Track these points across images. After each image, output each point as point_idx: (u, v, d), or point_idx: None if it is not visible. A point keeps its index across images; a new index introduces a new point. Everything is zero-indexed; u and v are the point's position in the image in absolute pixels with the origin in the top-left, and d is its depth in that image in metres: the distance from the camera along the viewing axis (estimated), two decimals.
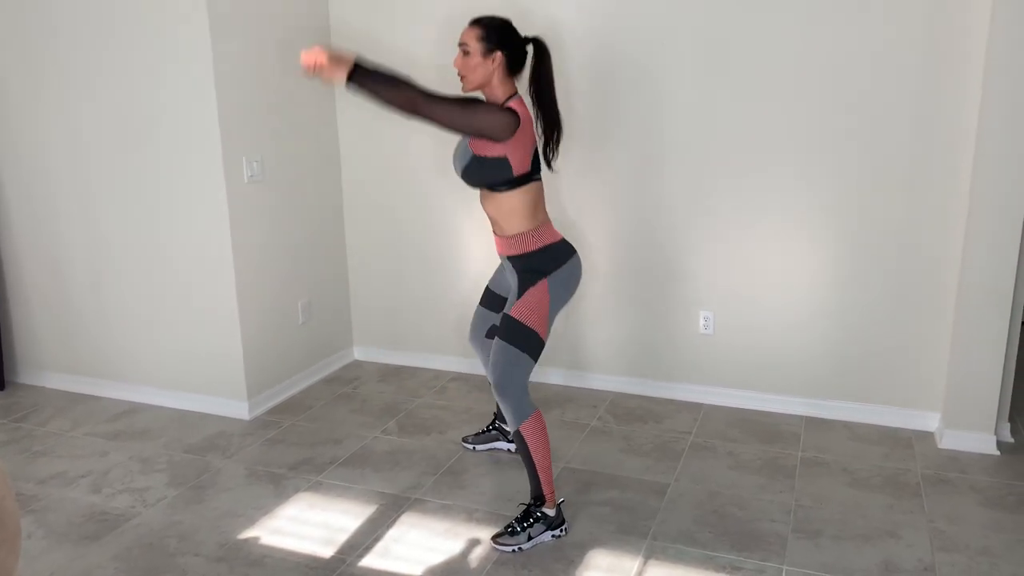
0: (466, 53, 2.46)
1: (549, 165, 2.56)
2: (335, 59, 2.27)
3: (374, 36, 3.80)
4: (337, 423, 3.46)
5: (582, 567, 2.40)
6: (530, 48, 2.50)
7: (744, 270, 3.42)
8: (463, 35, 2.47)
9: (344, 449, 3.21)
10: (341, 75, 2.26)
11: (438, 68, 3.75)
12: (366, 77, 2.28)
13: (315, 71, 2.28)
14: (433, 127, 2.36)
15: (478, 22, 2.47)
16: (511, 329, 2.48)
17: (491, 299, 2.88)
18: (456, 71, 2.50)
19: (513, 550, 2.47)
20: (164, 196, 3.41)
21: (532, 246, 2.50)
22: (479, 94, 2.50)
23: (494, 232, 2.59)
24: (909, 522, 2.61)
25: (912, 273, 3.19)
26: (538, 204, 2.53)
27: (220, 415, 3.54)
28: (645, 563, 2.41)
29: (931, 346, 3.22)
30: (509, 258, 2.55)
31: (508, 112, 2.38)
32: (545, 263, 2.50)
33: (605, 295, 3.67)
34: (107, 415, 3.59)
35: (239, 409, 3.51)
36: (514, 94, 2.50)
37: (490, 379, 2.52)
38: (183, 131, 3.30)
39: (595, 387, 3.78)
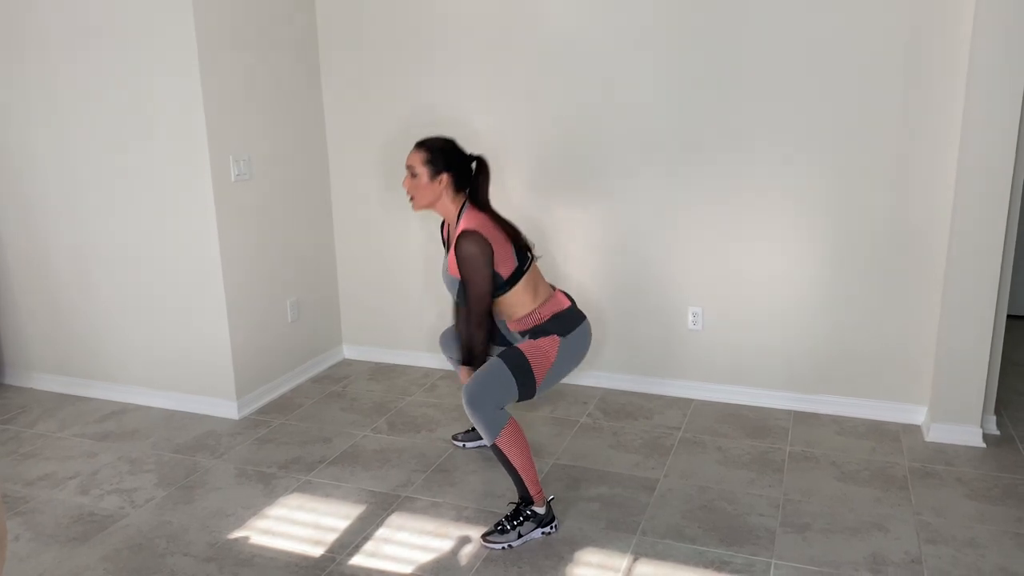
0: (414, 175, 2.57)
1: (530, 253, 2.61)
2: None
3: (361, 40, 3.79)
4: (327, 422, 3.45)
5: (572, 563, 2.40)
6: (474, 165, 2.60)
7: (732, 266, 3.43)
8: (409, 158, 2.57)
9: (334, 448, 3.20)
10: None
11: (430, 55, 3.75)
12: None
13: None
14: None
15: (423, 145, 2.57)
16: (515, 358, 2.49)
17: None
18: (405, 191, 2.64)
19: (503, 548, 2.48)
20: (151, 195, 3.40)
21: (543, 317, 2.56)
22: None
23: (503, 321, 2.65)
24: (896, 515, 2.63)
25: (899, 268, 3.21)
26: (538, 284, 2.59)
27: (209, 415, 3.53)
28: (635, 558, 2.42)
29: (918, 340, 3.24)
30: (521, 332, 2.61)
31: (478, 247, 2.44)
32: (557, 327, 2.55)
33: (594, 292, 3.67)
34: (95, 416, 3.57)
35: (228, 409, 3.50)
36: (463, 205, 2.58)
37: (465, 393, 2.46)
38: (170, 131, 3.28)
39: (585, 383, 3.79)
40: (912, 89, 3.04)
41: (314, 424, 3.43)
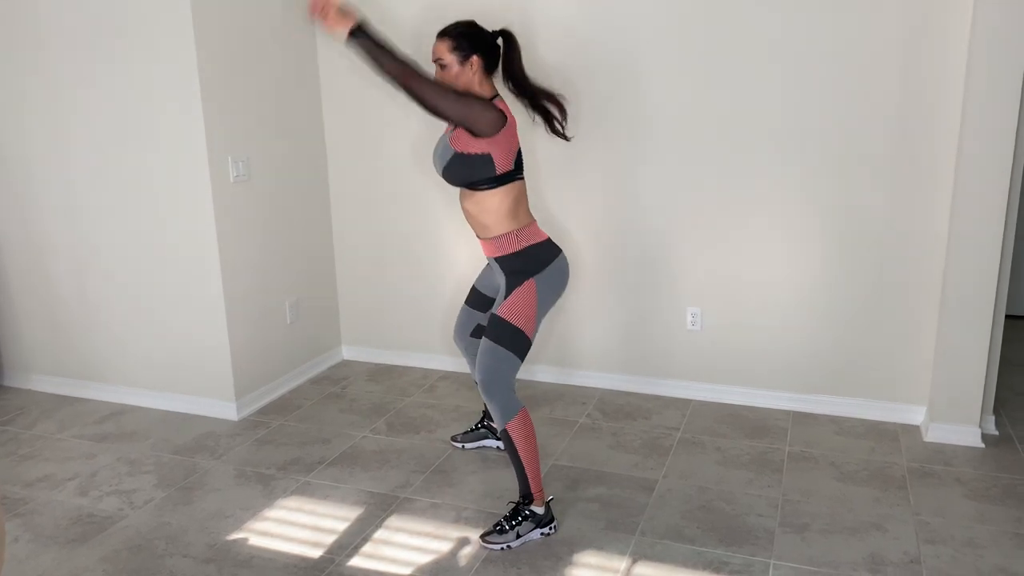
0: (443, 67, 2.49)
1: (565, 136, 2.57)
2: (342, 12, 2.23)
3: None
4: (326, 423, 3.45)
5: (570, 564, 2.40)
6: (500, 42, 2.52)
7: (731, 267, 3.43)
8: (435, 50, 2.49)
9: (333, 449, 3.20)
10: (343, 29, 2.22)
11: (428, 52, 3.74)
12: (368, 39, 2.24)
13: (320, 16, 2.24)
14: (421, 108, 2.33)
15: (446, 33, 2.50)
16: (498, 328, 2.48)
17: (477, 298, 2.88)
18: None
19: (502, 548, 2.48)
20: (149, 196, 3.40)
21: (517, 246, 2.50)
22: None
23: (477, 235, 2.59)
24: (895, 515, 2.63)
25: (897, 268, 3.21)
26: (521, 204, 2.53)
27: (208, 416, 3.53)
28: (633, 559, 2.42)
29: (916, 340, 3.24)
30: (496, 259, 2.55)
31: (497, 110, 2.39)
32: (531, 263, 2.50)
33: (593, 293, 3.67)
34: (94, 417, 3.57)
35: (227, 410, 3.50)
36: (496, 94, 2.51)
37: (476, 378, 2.52)
38: (168, 131, 3.28)
39: (584, 384, 3.79)
40: (911, 89, 3.05)
41: (313, 425, 3.43)
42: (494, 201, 2.48)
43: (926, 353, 3.24)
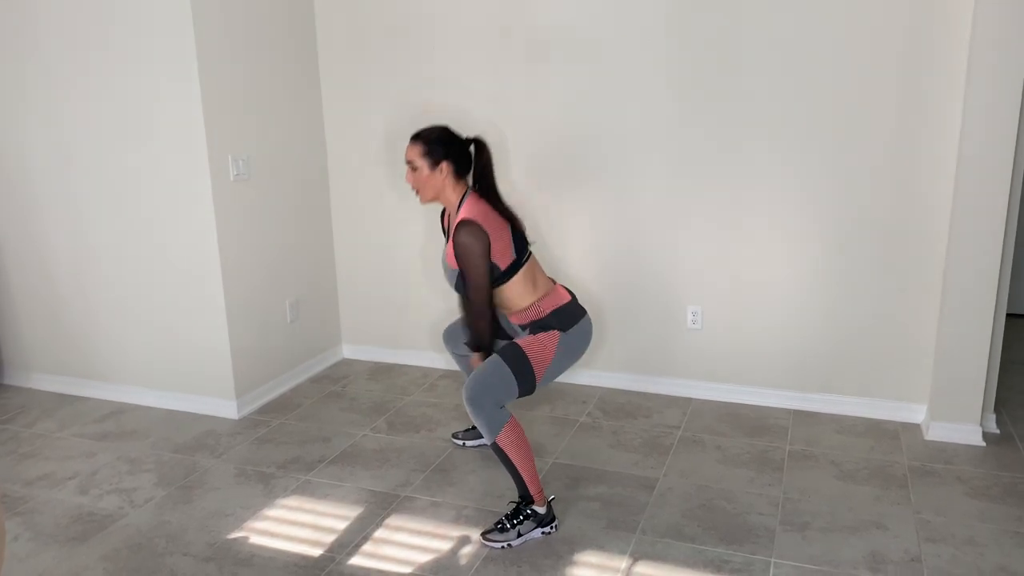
0: (414, 169, 2.57)
1: (526, 243, 2.60)
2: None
3: (360, 37, 3.79)
4: (326, 421, 3.45)
5: (571, 562, 2.40)
6: (472, 149, 2.59)
7: (732, 265, 3.43)
8: (407, 153, 2.56)
9: (333, 447, 3.20)
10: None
11: (430, 54, 3.75)
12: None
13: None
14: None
15: (418, 137, 2.56)
16: (513, 354, 2.49)
17: None
18: (409, 185, 2.61)
19: (502, 547, 2.48)
20: (150, 195, 3.40)
21: (542, 313, 2.55)
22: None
23: (504, 314, 2.65)
24: (896, 513, 2.63)
25: (898, 267, 3.20)
26: (536, 276, 2.59)
27: (208, 415, 3.53)
28: (634, 558, 2.42)
29: (917, 339, 3.24)
30: (521, 326, 2.60)
31: (475, 233, 2.43)
32: (557, 322, 2.54)
33: (594, 291, 3.67)
34: (94, 416, 3.57)
35: (227, 408, 3.50)
36: (465, 192, 2.58)
37: (465, 391, 2.47)
38: (168, 130, 3.28)
39: (584, 383, 3.79)
40: (911, 88, 3.04)
41: (313, 424, 3.43)
42: (512, 290, 2.54)
43: (927, 351, 3.23)
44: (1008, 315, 4.57)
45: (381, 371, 4.05)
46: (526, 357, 2.48)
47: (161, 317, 3.53)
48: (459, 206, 2.57)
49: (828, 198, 3.23)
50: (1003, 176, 2.87)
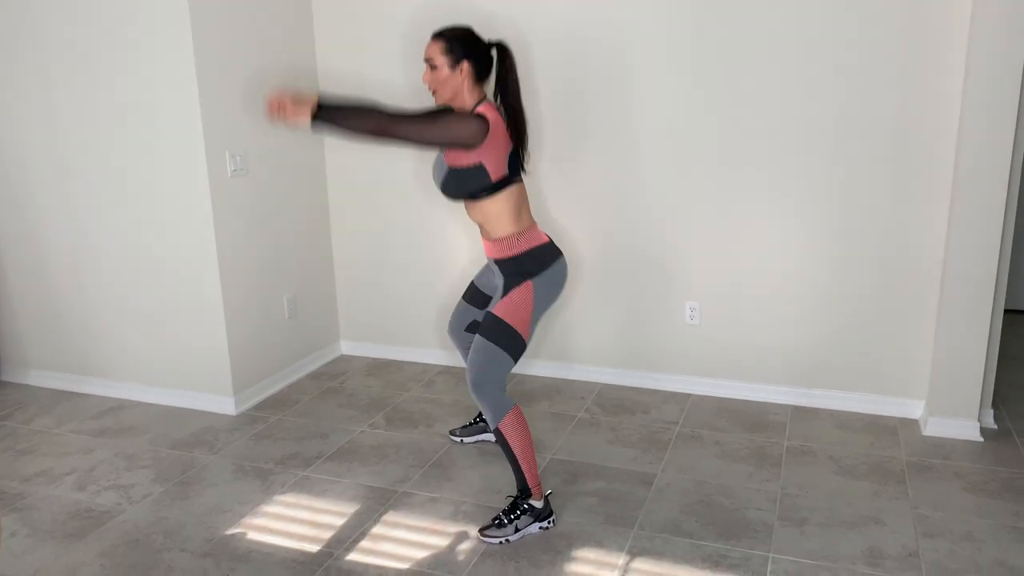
0: (433, 68, 2.47)
1: (522, 168, 2.55)
2: (298, 101, 2.26)
3: (358, 34, 3.78)
4: (324, 418, 3.45)
5: (569, 558, 2.40)
6: (494, 52, 2.51)
7: (730, 261, 3.43)
8: (427, 50, 2.48)
9: (331, 443, 3.20)
10: (305, 117, 2.26)
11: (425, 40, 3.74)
12: (331, 113, 2.27)
13: (279, 115, 2.28)
14: (408, 147, 2.32)
15: (440, 35, 2.48)
16: (493, 327, 2.47)
17: (474, 295, 2.88)
18: (426, 86, 2.49)
19: (500, 542, 2.48)
20: (147, 191, 3.39)
21: (518, 249, 2.50)
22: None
23: (482, 235, 2.60)
24: (894, 508, 2.63)
25: (896, 262, 3.20)
26: (522, 207, 2.53)
27: (206, 411, 3.52)
28: (632, 553, 2.42)
29: (915, 334, 3.24)
30: (495, 261, 2.55)
31: (477, 118, 2.37)
32: (530, 265, 2.50)
33: (592, 287, 3.67)
34: (92, 412, 3.56)
35: (225, 404, 3.50)
36: (482, 99, 2.50)
37: (468, 380, 2.50)
38: (165, 125, 3.27)
39: (582, 379, 3.79)
40: (910, 86, 3.04)
41: (311, 420, 3.43)
42: (495, 207, 2.48)
43: (925, 347, 3.23)
44: (1006, 311, 4.57)
45: (379, 367, 4.05)
46: (507, 325, 2.46)
47: (159, 313, 3.53)
48: (473, 111, 2.46)
49: (826, 193, 3.23)
50: (1001, 172, 2.87)
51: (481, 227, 2.57)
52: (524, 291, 2.48)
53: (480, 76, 2.49)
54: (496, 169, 2.43)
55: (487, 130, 2.37)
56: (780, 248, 3.35)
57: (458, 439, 3.18)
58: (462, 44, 2.45)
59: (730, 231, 3.39)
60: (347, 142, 3.89)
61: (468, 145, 2.36)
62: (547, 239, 2.57)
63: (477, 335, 2.50)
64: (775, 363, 3.47)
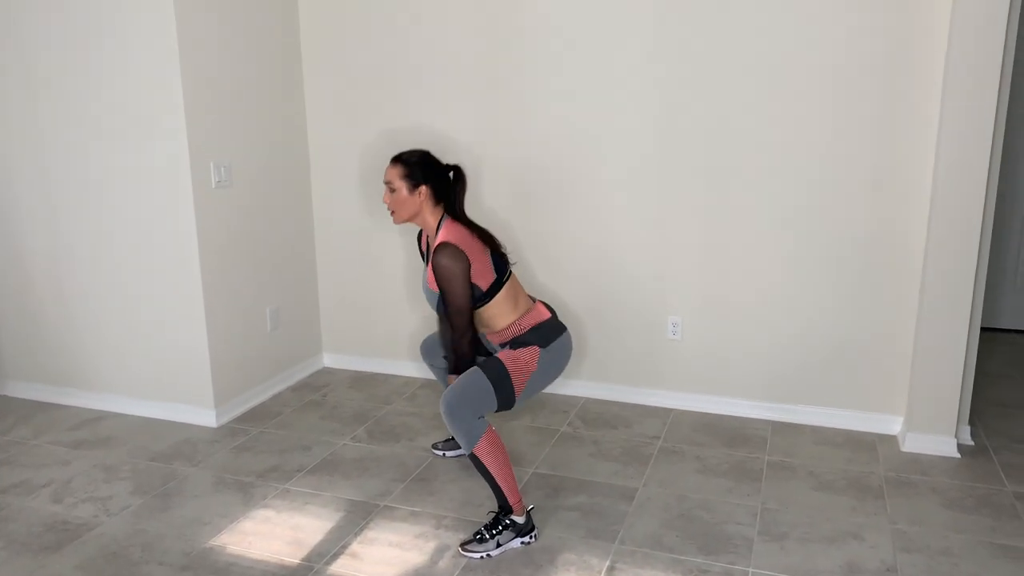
0: (392, 190, 2.59)
1: (506, 262, 2.62)
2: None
3: (344, 48, 3.79)
4: (306, 430, 3.43)
5: (550, 572, 2.40)
6: (451, 174, 2.63)
7: (712, 277, 3.46)
8: (387, 174, 2.60)
9: (313, 456, 3.18)
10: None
11: (413, 65, 3.76)
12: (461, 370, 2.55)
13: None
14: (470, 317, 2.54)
15: (399, 159, 2.60)
16: (495, 368, 2.49)
17: None
18: (386, 206, 2.61)
19: (481, 557, 2.47)
20: (130, 201, 3.37)
21: (524, 329, 2.57)
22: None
23: (484, 332, 2.65)
24: (872, 524, 2.65)
25: (875, 280, 3.25)
26: (518, 295, 2.60)
27: (187, 423, 3.50)
28: (613, 567, 2.42)
29: (894, 352, 3.28)
30: (501, 345, 2.61)
31: (455, 257, 2.44)
32: (537, 338, 2.55)
33: (575, 302, 3.68)
34: (70, 423, 3.53)
35: (206, 416, 3.47)
36: (442, 217, 2.60)
37: (443, 402, 2.45)
38: (150, 136, 3.26)
39: (565, 393, 3.79)
40: (889, 101, 3.09)
41: (293, 432, 3.41)
42: (493, 310, 2.56)
43: (904, 364, 3.27)
44: (982, 329, 4.64)
45: (362, 380, 4.04)
46: (506, 371, 2.48)
47: (140, 324, 3.51)
48: (437, 229, 2.59)
49: (807, 212, 3.27)
50: (977, 193, 2.92)
51: (484, 328, 2.63)
52: (531, 354, 2.53)
53: (439, 197, 2.61)
54: (484, 279, 2.51)
55: (468, 259, 2.47)
56: (762, 265, 3.38)
57: (440, 453, 3.18)
58: (421, 168, 2.59)
59: (712, 247, 3.43)
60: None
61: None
62: (549, 315, 2.63)
63: (475, 367, 2.51)
64: (756, 379, 3.49)
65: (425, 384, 3.97)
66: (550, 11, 3.43)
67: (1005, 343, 4.61)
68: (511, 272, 2.61)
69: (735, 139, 3.30)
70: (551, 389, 3.81)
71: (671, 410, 3.60)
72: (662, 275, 3.52)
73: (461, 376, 2.50)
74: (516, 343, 2.56)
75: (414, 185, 2.57)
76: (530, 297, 2.68)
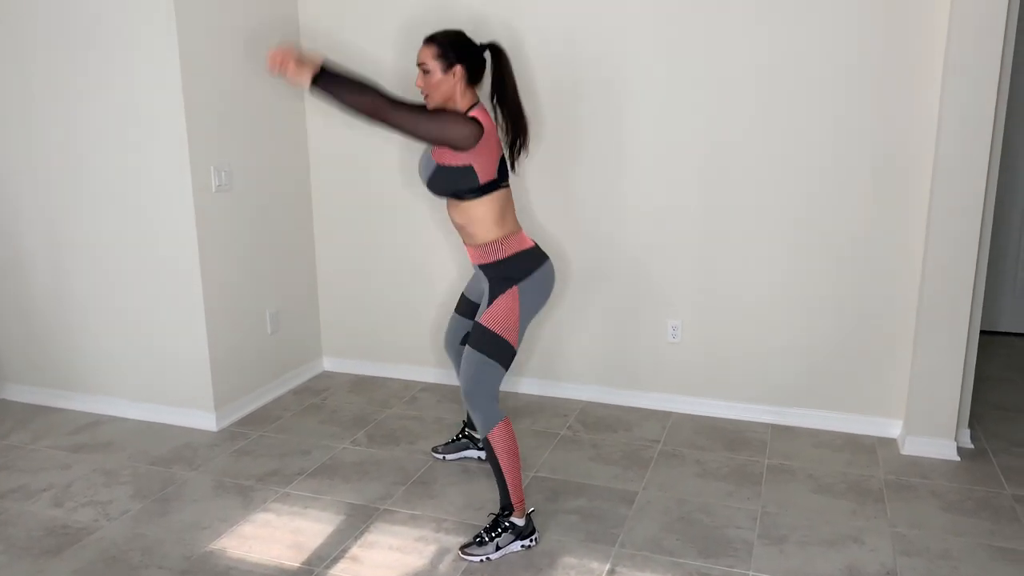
0: (426, 72, 2.48)
1: (513, 167, 2.57)
2: (301, 61, 2.25)
3: (343, 41, 3.80)
4: (306, 434, 3.43)
5: (550, 575, 2.40)
6: (487, 55, 2.52)
7: (712, 280, 3.46)
8: (420, 55, 2.49)
9: (313, 460, 3.18)
10: (306, 78, 2.24)
11: (405, 73, 3.76)
12: (331, 81, 2.26)
13: (280, 71, 2.26)
14: (397, 134, 2.35)
15: (432, 39, 2.49)
16: (481, 336, 2.48)
17: (466, 306, 2.88)
18: (419, 90, 2.52)
19: (481, 560, 2.47)
20: (130, 204, 3.38)
21: (503, 253, 2.50)
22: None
23: (464, 242, 2.60)
24: (872, 527, 2.65)
25: (874, 284, 3.25)
26: (507, 211, 2.53)
27: (187, 426, 3.50)
28: (613, 570, 2.42)
29: (893, 355, 3.28)
30: (481, 266, 2.56)
31: (471, 121, 2.39)
32: (516, 270, 2.50)
33: (575, 305, 3.69)
34: (70, 427, 3.53)
35: (206, 420, 3.47)
36: (476, 103, 2.51)
37: (462, 389, 2.51)
38: (150, 140, 3.27)
39: (565, 396, 3.80)
40: (888, 109, 3.09)
41: (293, 436, 3.41)
42: (480, 210, 2.48)
43: (903, 367, 3.28)
44: (982, 332, 4.64)
45: (362, 383, 4.04)
46: (493, 334, 2.46)
47: (140, 328, 3.51)
48: (467, 114, 2.47)
49: (807, 215, 3.28)
50: (976, 196, 2.93)
51: (462, 230, 2.55)
52: (510, 297, 2.48)
53: (473, 79, 2.51)
54: (485, 173, 2.44)
55: (480, 135, 2.39)
56: (761, 269, 3.38)
57: (440, 456, 3.18)
58: (455, 48, 2.47)
59: (713, 250, 3.43)
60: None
61: (459, 147, 2.38)
62: (532, 244, 2.57)
63: (466, 346, 2.51)
64: (756, 382, 3.50)
65: (425, 387, 3.97)
66: (552, 12, 3.43)
67: (1005, 346, 4.61)
68: (508, 185, 2.53)
69: (735, 143, 3.30)
70: (552, 392, 3.81)
71: (671, 413, 3.60)
72: (662, 279, 3.53)
73: (464, 363, 2.50)
74: (494, 272, 2.49)
75: (448, 65, 2.45)
76: (517, 223, 2.60)
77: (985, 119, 2.86)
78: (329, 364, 4.24)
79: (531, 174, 3.62)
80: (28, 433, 3.48)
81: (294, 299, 3.98)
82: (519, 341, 2.52)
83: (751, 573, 2.40)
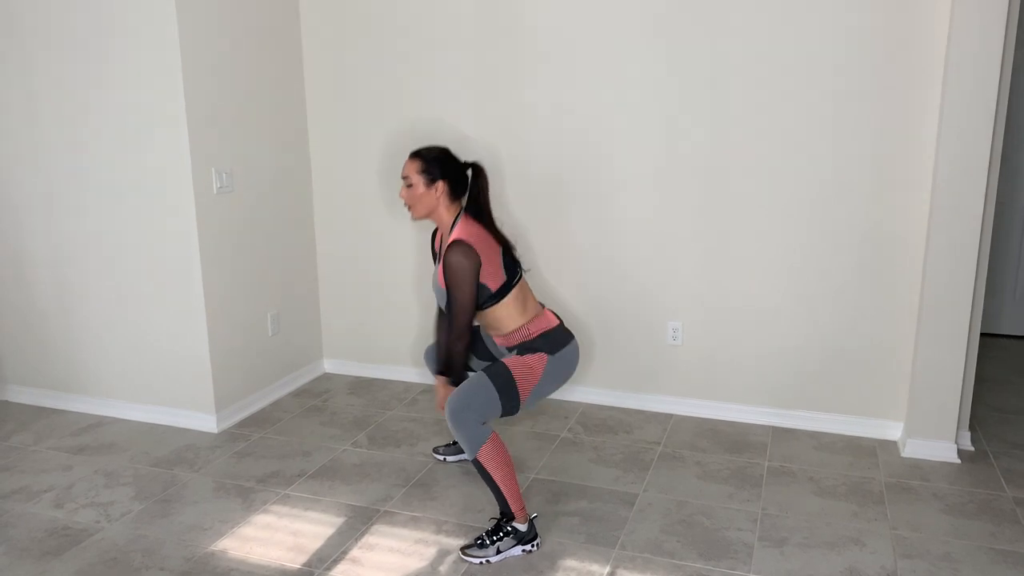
0: (409, 186, 2.58)
1: (518, 266, 2.63)
2: (442, 390, 2.70)
3: (346, 53, 3.81)
4: (306, 436, 3.43)
5: None
6: (469, 172, 2.62)
7: (712, 281, 3.46)
8: (404, 168, 2.58)
9: (313, 462, 3.19)
10: (448, 388, 2.66)
11: (415, 70, 3.77)
12: (454, 373, 2.59)
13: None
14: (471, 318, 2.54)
15: (417, 155, 2.59)
16: (500, 373, 2.49)
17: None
18: (403, 203, 2.60)
19: (481, 562, 2.47)
20: (132, 207, 3.38)
21: (532, 334, 2.57)
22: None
23: (490, 333, 2.65)
24: (873, 529, 2.65)
25: (875, 286, 3.25)
26: (527, 298, 2.60)
27: (188, 428, 3.50)
28: (613, 572, 2.42)
29: (894, 357, 3.28)
30: (508, 348, 2.61)
31: (464, 255, 2.44)
32: (544, 345, 2.55)
33: (574, 307, 3.69)
34: (72, 429, 3.53)
35: (207, 422, 3.48)
36: (459, 213, 2.59)
37: (448, 406, 2.45)
38: (152, 141, 3.27)
39: (566, 398, 3.80)
40: (888, 112, 3.10)
41: (293, 438, 3.41)
42: (501, 311, 2.56)
43: (904, 370, 3.28)
44: (982, 335, 4.65)
45: (362, 385, 4.04)
46: (512, 377, 2.48)
47: (141, 329, 3.51)
48: (452, 227, 2.58)
49: (807, 217, 3.28)
50: (976, 200, 2.93)
51: (488, 327, 2.63)
52: (538, 360, 2.53)
53: (456, 194, 2.60)
54: (494, 280, 2.51)
55: (479, 258, 2.47)
56: (762, 270, 3.39)
57: (441, 457, 3.18)
58: (439, 164, 2.57)
59: (713, 252, 3.43)
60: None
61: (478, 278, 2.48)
62: (557, 322, 2.62)
63: (481, 372, 2.51)
64: (756, 384, 3.50)
65: (426, 390, 3.97)
66: (553, 14, 3.44)
67: (1005, 349, 4.62)
68: (521, 275, 2.61)
69: (736, 146, 3.31)
70: (552, 395, 3.81)
71: (671, 415, 3.61)
72: (662, 280, 3.53)
73: (467, 382, 2.50)
74: (524, 348, 2.56)
75: (431, 180, 2.55)
76: (540, 304, 2.68)
77: (986, 121, 2.86)
78: (330, 366, 4.24)
79: (531, 179, 3.62)
80: (30, 434, 3.48)
81: (295, 301, 3.98)
82: (526, 405, 2.54)
83: (751, 575, 2.40)
